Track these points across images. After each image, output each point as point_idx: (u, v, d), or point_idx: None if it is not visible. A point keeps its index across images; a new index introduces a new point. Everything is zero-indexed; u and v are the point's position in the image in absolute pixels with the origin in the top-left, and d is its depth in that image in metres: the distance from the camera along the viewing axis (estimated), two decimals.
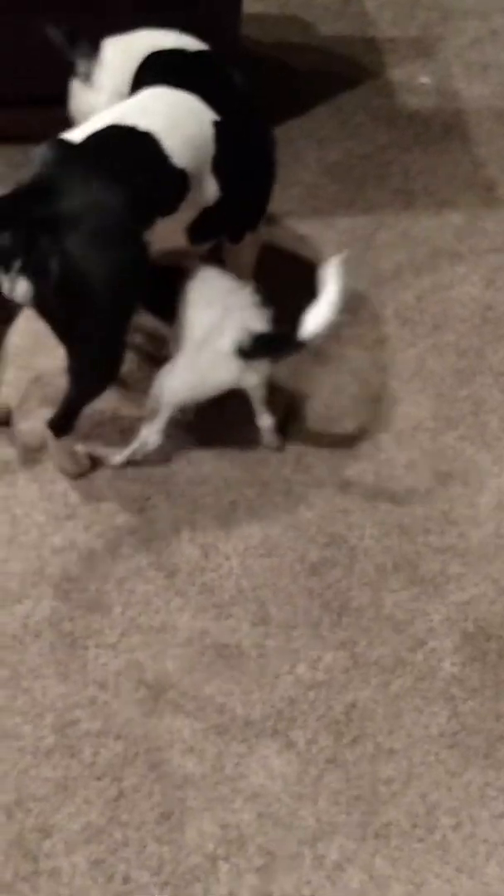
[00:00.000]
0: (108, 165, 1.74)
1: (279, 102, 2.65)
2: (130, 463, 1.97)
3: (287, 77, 2.79)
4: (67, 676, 1.70)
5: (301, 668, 1.74)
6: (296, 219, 2.46)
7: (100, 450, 2.00)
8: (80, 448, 1.97)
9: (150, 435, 1.94)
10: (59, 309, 1.74)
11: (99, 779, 1.59)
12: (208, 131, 1.86)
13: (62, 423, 1.90)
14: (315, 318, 1.77)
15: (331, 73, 2.83)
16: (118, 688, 1.69)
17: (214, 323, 1.87)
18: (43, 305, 1.74)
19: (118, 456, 1.98)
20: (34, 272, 1.67)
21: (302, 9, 2.98)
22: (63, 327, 1.78)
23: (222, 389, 1.91)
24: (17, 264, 1.67)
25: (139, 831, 1.54)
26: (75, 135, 1.78)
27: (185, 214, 1.86)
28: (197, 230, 1.92)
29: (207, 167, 1.86)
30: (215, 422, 2.06)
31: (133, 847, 1.53)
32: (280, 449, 2.03)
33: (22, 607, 1.78)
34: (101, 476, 1.97)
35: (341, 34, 2.95)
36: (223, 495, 1.96)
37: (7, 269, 1.68)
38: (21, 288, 1.70)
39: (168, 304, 1.90)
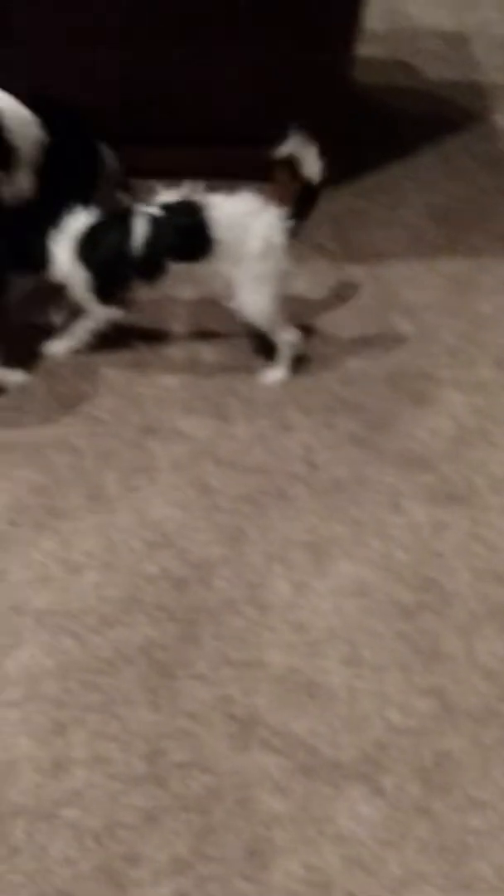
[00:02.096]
0: None
1: (384, 145, 2.68)
2: (224, 496, 2.00)
3: (393, 120, 2.82)
4: (158, 705, 1.71)
5: (391, 713, 1.72)
6: (398, 260, 2.47)
7: (271, 375, 2.18)
8: None
9: (289, 337, 2.17)
10: None
11: (187, 811, 1.59)
12: (34, 140, 2.08)
13: None
14: (314, 165, 2.02)
15: (436, 117, 2.86)
16: (208, 720, 1.70)
17: (261, 232, 2.03)
18: None
19: (279, 371, 2.20)
20: None
21: (409, 53, 3.02)
22: None
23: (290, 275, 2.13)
24: None
25: (225, 867, 1.54)
26: None
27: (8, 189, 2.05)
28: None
29: (30, 166, 2.08)
30: (310, 462, 2.07)
31: (218, 882, 1.53)
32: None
33: (116, 633, 1.80)
34: (197, 505, 1.99)
35: (447, 79, 2.97)
36: (317, 532, 1.97)
37: None
38: None
39: (201, 244, 2.03)
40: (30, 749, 1.64)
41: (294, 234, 2.07)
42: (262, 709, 1.72)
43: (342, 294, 2.43)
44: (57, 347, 2.20)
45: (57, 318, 2.23)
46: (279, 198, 2.55)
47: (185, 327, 2.28)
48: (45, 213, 2.09)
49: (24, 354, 2.21)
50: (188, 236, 2.03)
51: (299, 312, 2.36)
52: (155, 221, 2.03)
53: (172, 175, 2.49)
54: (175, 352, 2.25)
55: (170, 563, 1.90)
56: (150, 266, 2.06)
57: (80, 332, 2.18)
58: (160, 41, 2.29)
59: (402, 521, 1.99)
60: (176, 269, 2.07)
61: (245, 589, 1.87)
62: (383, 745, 1.68)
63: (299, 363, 2.25)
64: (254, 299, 2.10)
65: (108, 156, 2.35)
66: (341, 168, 2.62)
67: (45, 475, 2.01)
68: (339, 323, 2.36)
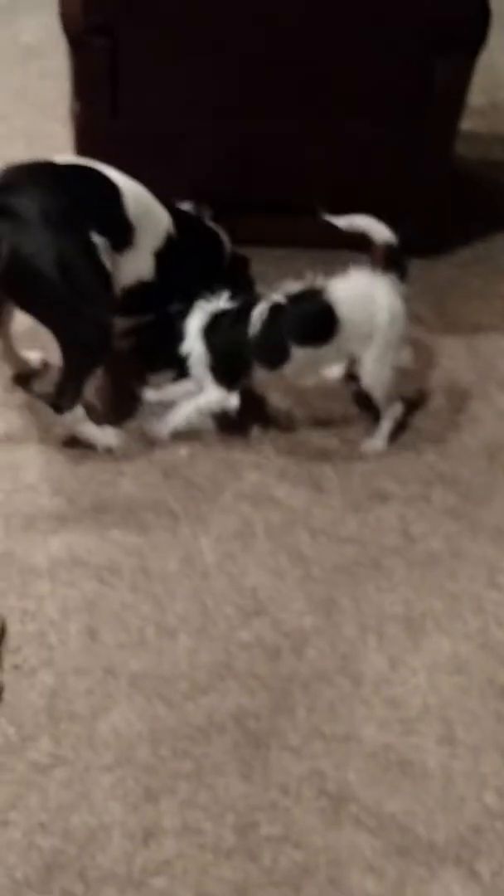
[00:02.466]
0: (67, 179, 1.97)
1: (483, 217, 2.69)
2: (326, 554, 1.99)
3: (491, 193, 2.83)
4: (250, 777, 1.69)
5: (488, 795, 1.68)
6: (496, 332, 2.47)
7: (374, 444, 2.20)
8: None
9: (395, 411, 2.21)
10: (15, 289, 1.92)
11: (277, 886, 1.57)
12: (162, 229, 2.15)
13: (59, 401, 2.07)
14: (381, 231, 2.09)
15: None
16: (300, 794, 1.67)
17: (386, 302, 2.06)
18: (2, 285, 1.92)
19: (379, 442, 2.21)
20: None
21: None
22: (27, 307, 1.98)
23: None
24: None
25: None
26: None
27: (125, 271, 2.07)
28: (129, 301, 2.13)
29: (150, 249, 2.12)
30: (405, 534, 2.06)
31: None
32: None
33: (208, 700, 1.79)
34: (291, 574, 1.99)
35: None
36: (412, 605, 1.95)
37: None
38: None
39: (326, 327, 2.07)
40: (121, 815, 1.63)
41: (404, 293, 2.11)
42: (355, 785, 1.69)
43: (439, 365, 2.43)
44: (161, 428, 2.20)
45: (153, 395, 2.26)
46: (377, 263, 2.59)
47: (282, 395, 2.29)
48: (169, 296, 2.18)
49: (123, 416, 2.25)
50: (313, 320, 2.08)
51: (396, 383, 2.37)
52: (278, 308, 2.09)
53: (283, 244, 2.55)
54: (272, 419, 2.27)
55: (263, 631, 1.90)
56: (274, 352, 2.10)
57: (189, 412, 2.18)
58: (276, 115, 2.34)
59: (499, 597, 1.96)
60: (300, 353, 2.10)
61: (338, 661, 1.86)
62: (480, 828, 1.64)
63: (396, 434, 2.24)
64: (379, 370, 2.13)
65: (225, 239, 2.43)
66: (440, 239, 2.65)
67: (140, 537, 2.03)
68: (435, 394, 2.36)
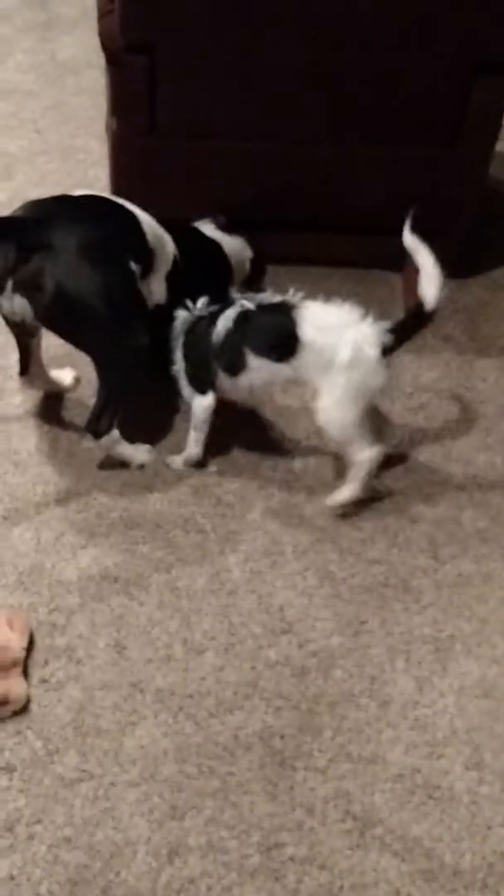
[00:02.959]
0: (96, 211, 2.00)
1: None
2: (350, 578, 1.99)
3: None
4: (275, 796, 1.69)
5: None
6: None
7: (343, 494, 2.10)
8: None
9: (366, 455, 2.06)
10: (58, 320, 1.94)
11: None
12: (170, 252, 2.16)
13: (96, 426, 2.08)
14: (430, 287, 1.94)
15: None
16: (325, 815, 1.67)
17: (353, 341, 1.97)
18: (43, 319, 1.93)
19: (350, 490, 2.09)
20: (28, 289, 1.87)
21: None
22: (67, 336, 1.99)
23: (378, 393, 2.05)
24: (10, 284, 1.87)
25: None
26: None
27: (146, 292, 2.09)
28: None
29: (163, 272, 2.14)
30: (434, 556, 2.06)
31: None
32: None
33: (235, 718, 1.79)
34: (319, 593, 1.98)
35: None
36: (440, 627, 1.94)
37: (2, 290, 1.89)
38: (18, 304, 1.89)
39: (287, 344, 2.00)
40: (146, 831, 1.63)
41: (390, 351, 1.98)
42: (381, 808, 1.68)
43: (470, 385, 2.42)
44: (176, 462, 2.21)
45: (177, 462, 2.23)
46: (406, 289, 2.59)
47: (312, 414, 2.28)
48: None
49: (153, 433, 2.26)
50: (273, 334, 2.02)
51: (427, 403, 2.37)
52: (244, 316, 2.06)
53: (307, 262, 2.56)
54: (302, 437, 2.27)
55: (290, 651, 1.89)
56: (233, 358, 2.07)
57: (193, 438, 2.19)
58: (310, 136, 2.36)
59: None
60: (257, 364, 2.05)
61: (366, 682, 1.85)
62: None
63: (426, 455, 2.24)
64: (335, 411, 2.03)
65: (240, 247, 2.43)
66: (472, 261, 2.66)
67: (169, 553, 2.03)
68: (466, 415, 2.35)
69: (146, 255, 2.07)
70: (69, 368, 2.30)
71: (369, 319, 2.00)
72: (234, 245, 2.42)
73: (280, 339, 2.01)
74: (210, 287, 2.22)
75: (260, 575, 2.01)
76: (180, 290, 2.18)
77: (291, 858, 1.61)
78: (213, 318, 2.09)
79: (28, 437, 2.21)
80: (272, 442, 2.18)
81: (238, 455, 2.21)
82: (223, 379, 2.10)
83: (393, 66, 2.23)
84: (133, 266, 1.99)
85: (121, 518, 2.09)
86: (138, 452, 2.19)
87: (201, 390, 2.13)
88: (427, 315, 1.96)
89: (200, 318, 2.13)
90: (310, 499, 2.15)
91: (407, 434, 2.30)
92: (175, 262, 2.18)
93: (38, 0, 3.52)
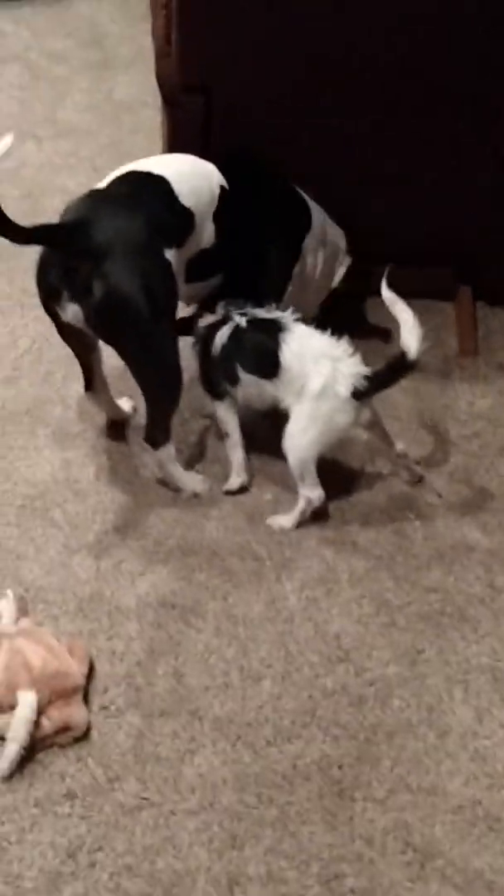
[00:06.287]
0: (127, 200, 2.01)
1: None
2: (396, 607, 1.98)
3: None
4: (334, 826, 1.68)
5: None
6: None
7: (280, 520, 2.14)
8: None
9: (311, 493, 2.11)
10: (106, 322, 1.98)
11: None
12: (214, 187, 2.15)
13: (153, 435, 2.12)
14: (412, 338, 1.97)
15: None
16: (384, 847, 1.66)
17: (326, 373, 2.02)
18: (92, 323, 1.98)
19: (287, 519, 2.13)
20: (80, 296, 1.94)
21: None
22: (114, 338, 2.03)
23: (345, 433, 2.10)
24: (66, 294, 1.95)
25: None
26: (102, 183, 2.09)
27: (187, 251, 2.11)
28: (193, 269, 2.15)
29: (209, 215, 2.13)
30: (491, 584, 2.05)
31: None
32: (420, 479, 2.22)
33: (293, 747, 1.79)
34: (375, 621, 1.98)
35: None
36: (499, 657, 1.92)
37: (59, 300, 1.97)
38: (72, 312, 1.96)
39: (269, 360, 2.07)
40: (206, 860, 1.63)
41: (364, 395, 2.03)
42: (441, 840, 1.67)
43: None
44: (232, 483, 2.23)
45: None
46: (458, 318, 2.59)
47: (364, 442, 2.29)
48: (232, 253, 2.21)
49: (208, 459, 2.28)
50: (257, 354, 2.10)
51: (482, 431, 2.36)
52: (237, 330, 2.13)
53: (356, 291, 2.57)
54: (356, 464, 2.28)
55: (347, 679, 1.89)
56: (228, 371, 2.14)
57: (231, 455, 2.23)
58: (362, 172, 2.38)
59: None
60: (246, 379, 2.13)
61: (424, 712, 1.84)
62: None
63: (482, 482, 2.24)
64: (297, 437, 2.06)
65: (337, 233, 2.43)
66: None
67: (225, 581, 2.05)
68: None
69: (183, 223, 2.09)
70: (126, 398, 2.33)
71: (354, 358, 2.05)
72: (327, 223, 2.40)
73: (264, 357, 2.09)
74: (278, 238, 2.28)
75: (316, 602, 2.02)
76: (233, 231, 2.20)
77: (352, 890, 1.61)
78: (214, 329, 2.16)
79: (87, 466, 2.25)
80: (326, 469, 2.18)
81: (293, 483, 2.23)
82: (228, 388, 2.18)
83: (437, 95, 2.25)
84: (168, 254, 2.02)
85: (178, 545, 2.11)
86: (193, 481, 2.21)
87: (216, 396, 2.20)
88: (409, 364, 2.00)
89: (210, 327, 2.18)
90: (364, 527, 2.15)
91: (461, 461, 2.29)
92: (223, 195, 2.17)
93: (94, 40, 3.60)
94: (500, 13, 2.14)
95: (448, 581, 2.06)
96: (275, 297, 2.26)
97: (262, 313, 2.14)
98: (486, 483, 2.25)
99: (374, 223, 2.46)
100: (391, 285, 2.00)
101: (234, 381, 2.15)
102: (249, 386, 2.14)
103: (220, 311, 2.19)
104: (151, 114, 3.05)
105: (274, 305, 2.18)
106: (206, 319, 2.21)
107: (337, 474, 2.25)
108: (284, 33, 2.17)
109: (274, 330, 2.09)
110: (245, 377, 2.13)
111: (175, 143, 2.41)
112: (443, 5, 2.12)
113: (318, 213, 2.36)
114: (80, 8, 3.79)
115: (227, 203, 2.18)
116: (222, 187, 2.18)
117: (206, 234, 2.15)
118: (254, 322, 2.13)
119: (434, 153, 2.36)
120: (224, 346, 2.14)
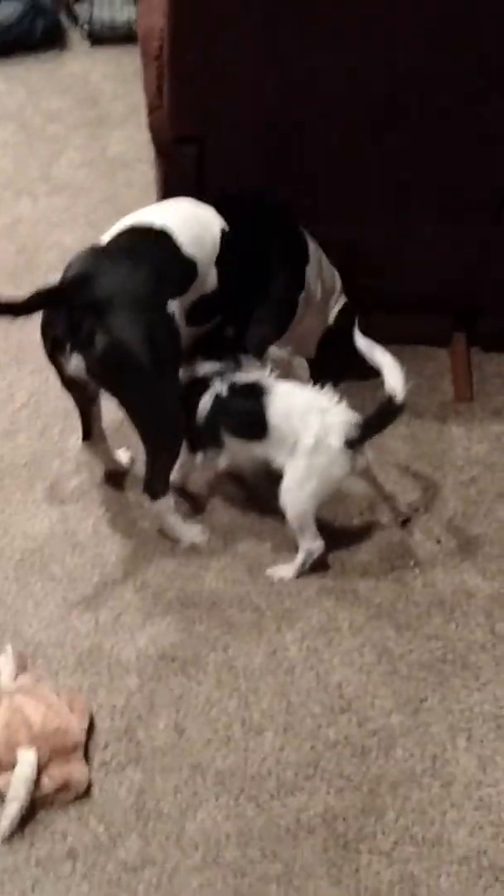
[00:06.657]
0: (129, 253, 2.03)
1: None
2: (399, 656, 1.97)
3: None
4: (340, 880, 1.66)
5: None
6: None
7: (281, 570, 2.15)
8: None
9: (311, 545, 2.11)
10: (108, 374, 2.00)
11: None
12: (215, 233, 2.15)
13: (153, 486, 2.14)
14: (396, 381, 1.99)
15: None
16: None
17: (317, 427, 2.02)
18: (95, 375, 2.01)
19: (288, 570, 2.14)
20: (83, 349, 1.97)
21: None
22: (116, 390, 2.04)
23: (341, 483, 2.09)
24: (70, 346, 1.98)
25: None
26: (105, 236, 2.10)
27: (189, 297, 2.11)
28: (194, 314, 2.15)
29: (211, 261, 2.13)
30: (493, 631, 2.04)
31: None
32: (408, 520, 2.23)
33: (296, 800, 1.77)
34: (376, 670, 1.97)
35: None
36: (502, 704, 1.91)
37: (63, 351, 2.00)
38: (75, 363, 1.99)
39: (256, 424, 2.07)
40: None
41: (357, 443, 2.02)
42: (447, 891, 1.65)
43: None
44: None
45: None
46: (454, 364, 2.61)
47: (364, 497, 2.30)
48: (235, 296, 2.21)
49: (206, 510, 2.29)
50: (244, 418, 2.09)
51: (479, 476, 2.37)
52: (219, 398, 2.12)
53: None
54: (353, 512, 2.28)
55: (350, 730, 1.88)
56: (213, 435, 2.13)
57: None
58: (355, 219, 2.41)
59: None
60: (232, 444, 2.12)
61: (428, 761, 1.83)
62: None
63: (480, 528, 2.24)
64: (294, 493, 2.06)
65: (330, 271, 2.43)
66: None
67: (225, 632, 2.04)
68: None
69: (185, 272, 2.10)
70: (124, 449, 2.35)
71: (341, 406, 2.05)
72: (322, 257, 2.40)
73: (250, 422, 2.08)
74: (275, 273, 2.28)
75: (317, 653, 2.01)
76: (236, 271, 2.20)
77: None
78: (196, 390, 2.15)
79: (85, 519, 2.25)
80: (324, 520, 2.19)
81: (292, 534, 2.23)
82: (212, 452, 2.18)
83: (436, 147, 2.28)
84: (171, 305, 2.03)
85: (177, 597, 2.10)
86: (192, 531, 2.21)
87: (191, 447, 2.20)
88: (397, 408, 2.00)
89: (191, 385, 2.17)
90: (364, 575, 2.15)
91: (459, 507, 2.29)
92: (224, 239, 2.17)
93: (87, 98, 3.67)
94: (499, 64, 2.17)
95: (449, 628, 2.05)
96: (283, 327, 2.30)
97: (241, 377, 2.13)
98: (485, 529, 2.25)
99: (369, 269, 2.49)
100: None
101: (220, 444, 2.14)
102: (236, 448, 2.13)
103: (199, 370, 2.18)
104: (145, 168, 3.09)
105: (254, 363, 2.19)
106: (187, 372, 2.18)
107: (334, 523, 2.26)
108: (275, 81, 2.19)
109: (256, 393, 2.08)
110: (231, 441, 2.12)
111: (169, 194, 2.44)
112: (439, 60, 2.16)
113: (312, 244, 2.39)
114: (74, 66, 3.87)
115: (228, 245, 2.18)
116: (223, 230, 2.18)
117: (209, 279, 2.16)
118: (234, 388, 2.12)
119: (431, 200, 2.39)
120: (207, 415, 2.13)
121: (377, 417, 2.04)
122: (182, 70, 2.21)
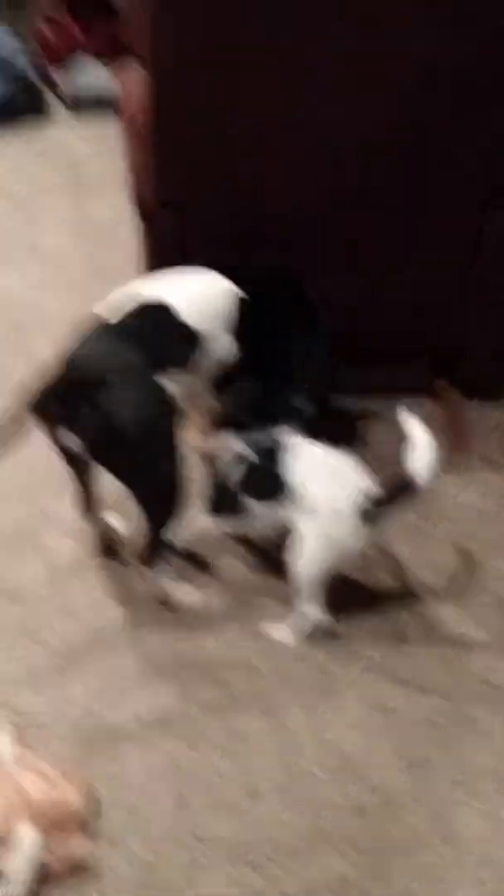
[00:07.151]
0: (125, 329, 2.06)
1: None
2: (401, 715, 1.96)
3: None
4: None
5: None
6: None
7: (278, 632, 2.13)
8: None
9: (311, 611, 2.09)
10: (100, 451, 2.02)
11: None
12: (226, 304, 2.20)
13: (151, 553, 2.14)
14: (423, 462, 1.91)
15: None
16: None
17: (333, 493, 1.99)
18: (91, 451, 2.02)
19: (287, 635, 2.11)
20: (80, 429, 1.99)
21: None
22: (112, 465, 2.05)
23: (353, 556, 2.05)
24: (64, 422, 2.01)
25: None
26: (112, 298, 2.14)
27: (199, 369, 2.18)
28: (221, 382, 2.24)
29: (220, 331, 2.18)
30: (494, 685, 2.03)
31: None
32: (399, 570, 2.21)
33: (301, 866, 1.74)
34: (377, 729, 1.95)
35: None
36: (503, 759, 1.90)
37: (57, 427, 2.02)
38: (70, 439, 2.01)
39: (272, 486, 2.04)
40: None
41: (371, 519, 1.97)
42: None
43: None
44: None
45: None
46: (441, 418, 2.62)
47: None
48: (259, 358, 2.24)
49: (205, 574, 2.28)
50: (266, 480, 2.05)
51: (467, 519, 2.37)
52: (245, 465, 2.09)
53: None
54: (355, 572, 2.27)
55: (352, 791, 1.86)
56: (235, 504, 2.11)
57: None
58: (325, 270, 2.43)
59: None
60: (257, 507, 2.09)
61: (432, 821, 1.81)
62: None
63: (477, 576, 2.23)
64: (304, 556, 2.02)
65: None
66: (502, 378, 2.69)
67: (222, 695, 2.02)
68: None
69: (189, 344, 2.13)
70: (118, 516, 2.34)
71: (362, 475, 2.00)
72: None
73: (272, 483, 2.04)
74: (311, 331, 2.32)
75: (316, 712, 1.99)
76: (260, 338, 2.24)
77: None
78: (230, 465, 2.12)
79: (79, 585, 2.24)
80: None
81: (287, 590, 2.22)
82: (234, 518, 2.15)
83: (408, 194, 2.32)
84: (167, 380, 2.05)
85: (173, 661, 2.08)
86: (189, 595, 2.20)
87: (214, 510, 2.18)
88: (415, 491, 1.93)
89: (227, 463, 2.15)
90: (361, 631, 2.14)
91: (454, 558, 2.29)
92: (242, 306, 2.20)
93: (69, 165, 3.69)
94: (485, 116, 2.22)
95: (450, 683, 2.04)
96: (328, 386, 2.35)
97: (266, 441, 2.10)
98: (478, 579, 2.25)
99: (347, 322, 2.50)
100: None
101: (243, 511, 2.11)
102: (259, 512, 2.09)
103: (232, 445, 2.14)
104: (129, 232, 3.13)
105: (287, 430, 2.14)
106: (219, 447, 2.16)
107: (334, 583, 2.24)
108: (257, 145, 2.24)
109: (279, 453, 2.05)
110: (255, 506, 2.09)
111: (152, 258, 2.47)
112: (421, 119, 2.20)
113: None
114: (55, 135, 3.93)
115: (249, 312, 2.21)
116: (242, 299, 2.21)
117: (223, 348, 2.19)
118: (261, 451, 2.09)
119: (407, 251, 2.43)
120: (237, 483, 2.10)
121: (396, 496, 1.96)
122: (163, 140, 2.26)
